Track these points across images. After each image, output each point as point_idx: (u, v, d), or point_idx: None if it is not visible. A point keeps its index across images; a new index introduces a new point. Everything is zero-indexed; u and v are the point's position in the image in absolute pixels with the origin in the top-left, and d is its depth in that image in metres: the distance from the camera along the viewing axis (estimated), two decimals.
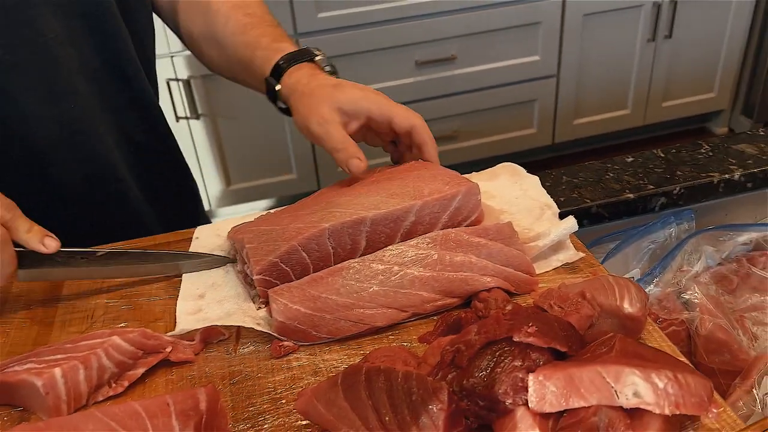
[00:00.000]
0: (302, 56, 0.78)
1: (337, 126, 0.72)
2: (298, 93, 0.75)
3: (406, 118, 0.74)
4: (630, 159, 0.97)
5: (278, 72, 0.78)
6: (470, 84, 2.63)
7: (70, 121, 0.78)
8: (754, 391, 0.81)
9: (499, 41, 2.58)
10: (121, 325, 0.66)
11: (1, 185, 0.70)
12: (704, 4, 2.71)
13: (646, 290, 0.92)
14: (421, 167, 0.75)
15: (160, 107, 0.91)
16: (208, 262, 0.72)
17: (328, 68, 0.80)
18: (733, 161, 0.94)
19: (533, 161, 2.81)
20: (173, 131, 0.95)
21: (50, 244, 0.65)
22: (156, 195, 0.91)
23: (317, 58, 0.79)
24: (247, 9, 0.86)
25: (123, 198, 0.86)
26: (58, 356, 0.57)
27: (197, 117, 2.32)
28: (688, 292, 0.91)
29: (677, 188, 0.90)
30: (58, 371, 0.55)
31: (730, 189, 0.93)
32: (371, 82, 2.49)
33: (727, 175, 0.92)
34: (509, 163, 0.85)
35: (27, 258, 0.66)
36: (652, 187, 0.91)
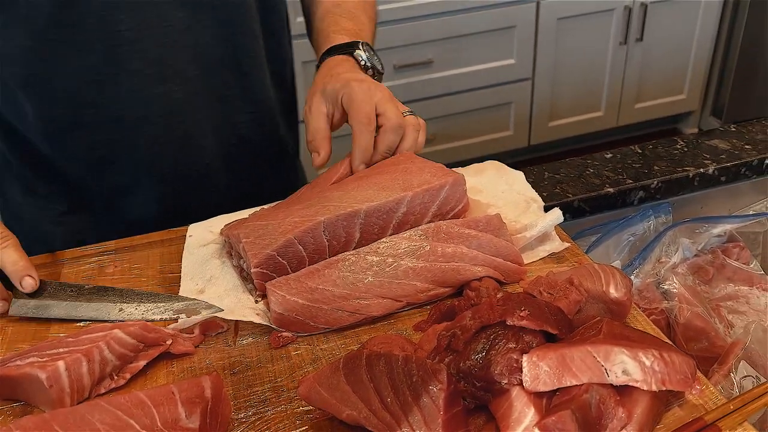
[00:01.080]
0: (344, 49, 0.83)
1: (318, 115, 0.77)
2: (316, 76, 0.81)
3: (363, 111, 0.76)
4: (609, 155, 1.00)
5: (321, 59, 0.84)
6: (447, 87, 2.67)
7: (170, 102, 0.83)
8: (732, 375, 0.84)
9: (474, 45, 2.62)
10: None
11: (91, 156, 0.82)
12: (674, 8, 2.79)
13: None
14: (407, 161, 0.77)
15: (274, 106, 0.94)
16: (192, 307, 0.67)
17: (364, 63, 0.83)
18: (708, 156, 0.98)
19: (510, 163, 2.85)
20: None
21: (27, 283, 0.67)
22: (249, 186, 0.94)
23: (355, 53, 0.83)
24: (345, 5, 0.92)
25: (206, 182, 0.90)
26: (61, 350, 0.58)
27: None
28: (667, 283, 0.94)
29: (655, 182, 0.94)
30: (61, 364, 0.56)
31: (705, 183, 0.97)
32: None
33: (701, 170, 0.96)
34: (494, 160, 0.88)
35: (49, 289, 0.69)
36: (630, 181, 0.94)
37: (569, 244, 0.73)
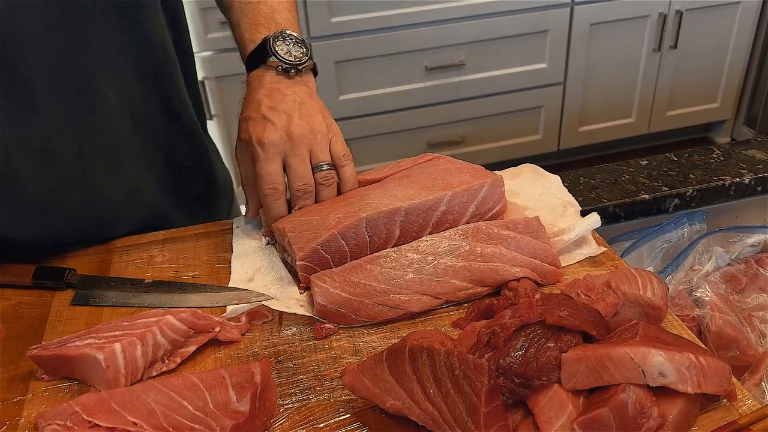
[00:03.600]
0: (258, 58, 0.77)
1: (278, 195, 0.74)
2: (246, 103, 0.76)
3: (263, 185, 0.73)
4: (645, 162, 1.01)
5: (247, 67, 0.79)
6: (478, 90, 2.68)
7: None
8: (763, 384, 0.85)
9: (507, 48, 2.63)
10: None
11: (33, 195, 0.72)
12: (709, 16, 2.76)
13: None
14: (445, 162, 0.80)
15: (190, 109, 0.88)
16: (244, 295, 0.70)
17: (281, 67, 0.76)
18: (744, 166, 0.98)
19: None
20: None
21: None
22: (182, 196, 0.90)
23: (269, 60, 0.76)
24: None
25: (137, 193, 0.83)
26: (117, 333, 0.61)
27: (210, 118, 2.36)
28: (699, 290, 0.95)
29: (690, 190, 0.94)
30: (118, 346, 0.59)
31: (741, 192, 0.97)
32: (381, 86, 2.54)
33: (738, 179, 0.96)
34: (530, 164, 0.89)
35: (90, 280, 0.72)
36: (666, 189, 0.94)
37: (606, 249, 0.74)
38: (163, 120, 0.83)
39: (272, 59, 0.75)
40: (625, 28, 2.72)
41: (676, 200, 0.94)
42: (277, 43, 0.76)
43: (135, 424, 0.53)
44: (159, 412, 0.53)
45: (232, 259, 0.76)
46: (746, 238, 1.00)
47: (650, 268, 0.97)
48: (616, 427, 0.50)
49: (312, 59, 0.78)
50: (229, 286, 0.72)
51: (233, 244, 0.78)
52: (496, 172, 0.85)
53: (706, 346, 0.94)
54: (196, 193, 0.91)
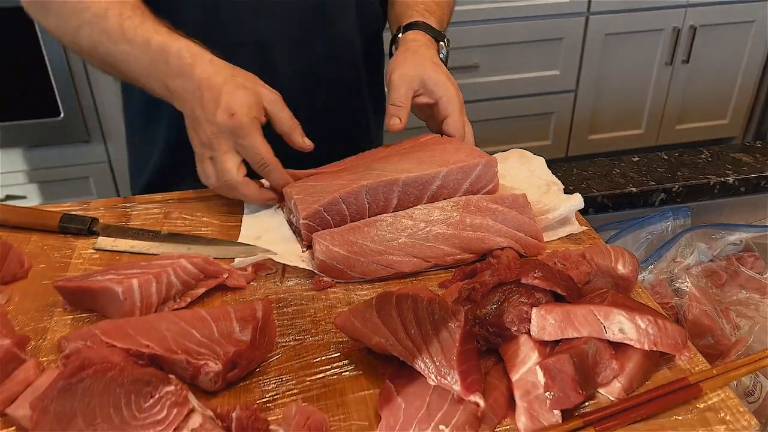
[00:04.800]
0: (431, 31, 0.94)
1: (409, 88, 0.86)
2: (406, 47, 0.90)
3: (458, 123, 0.88)
4: (636, 159, 1.06)
5: (408, 28, 0.94)
6: (490, 92, 2.73)
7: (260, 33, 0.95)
8: None
9: (521, 53, 2.68)
10: None
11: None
12: (722, 33, 2.81)
13: (641, 276, 1.02)
14: (446, 141, 0.86)
15: (358, 60, 1.04)
16: (250, 250, 0.77)
17: (442, 57, 0.94)
18: (730, 167, 1.04)
19: None
20: None
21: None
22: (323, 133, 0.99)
23: (440, 44, 0.94)
24: None
25: None
26: (135, 270, 0.67)
27: None
28: (679, 281, 1.00)
29: (676, 186, 1.00)
30: (135, 281, 0.65)
31: (725, 191, 1.02)
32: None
33: (722, 178, 1.01)
34: (517, 149, 0.95)
35: (112, 229, 0.79)
36: (653, 183, 1.00)
37: (586, 228, 0.80)
38: None
39: (442, 45, 0.95)
40: (638, 40, 2.77)
41: (663, 195, 1.00)
42: (446, 42, 0.95)
43: (147, 346, 0.59)
44: (170, 338, 0.60)
45: (242, 219, 0.82)
46: (728, 235, 1.05)
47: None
48: (575, 373, 0.56)
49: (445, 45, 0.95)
50: (238, 241, 0.78)
51: (245, 205, 0.84)
52: None
53: None
54: None
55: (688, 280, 1.00)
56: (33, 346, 0.64)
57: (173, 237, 0.78)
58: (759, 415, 0.91)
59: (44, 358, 0.62)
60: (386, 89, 0.88)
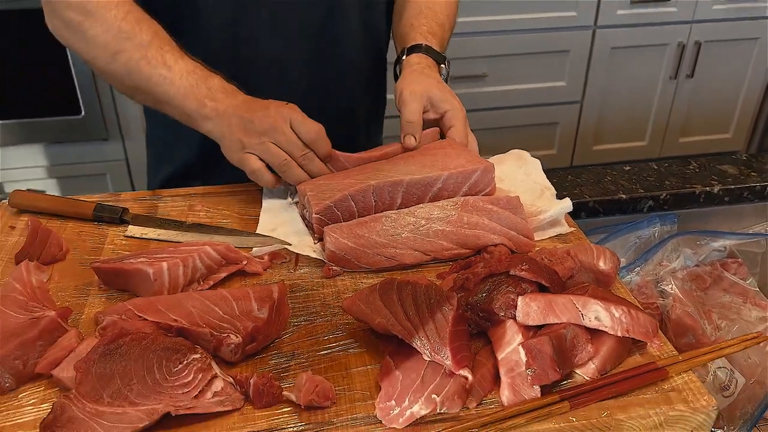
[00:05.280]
0: (433, 54, 1.02)
1: (420, 104, 0.94)
2: (411, 69, 0.99)
3: (462, 136, 0.96)
4: (627, 168, 1.13)
5: (411, 51, 1.02)
6: (497, 102, 2.80)
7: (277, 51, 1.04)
8: (708, 365, 0.97)
9: (528, 64, 2.75)
10: None
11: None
12: (727, 49, 2.87)
13: (629, 277, 1.09)
14: (448, 146, 0.93)
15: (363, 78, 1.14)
16: (265, 240, 0.85)
17: (444, 77, 1.02)
18: (716, 178, 1.11)
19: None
20: None
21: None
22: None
23: (441, 66, 1.03)
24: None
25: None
26: (164, 254, 0.75)
27: None
28: (664, 283, 1.07)
29: (664, 194, 1.07)
30: (164, 264, 0.73)
31: (710, 200, 1.09)
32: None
33: (708, 188, 1.08)
34: (516, 150, 1.02)
35: (141, 218, 0.87)
36: (642, 191, 1.07)
37: (574, 229, 0.87)
38: None
39: (443, 68, 1.03)
40: (644, 54, 2.84)
41: (651, 202, 1.07)
42: (447, 63, 1.04)
43: (176, 320, 0.67)
44: (195, 313, 0.67)
45: (260, 213, 0.90)
46: (713, 242, 1.12)
47: (622, 260, 1.09)
48: (553, 353, 0.63)
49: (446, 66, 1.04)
50: (256, 232, 0.86)
51: (263, 201, 0.92)
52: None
53: (665, 332, 1.06)
54: None
55: (672, 282, 1.07)
56: (72, 319, 0.72)
57: (197, 227, 0.86)
58: (733, 408, 0.98)
59: (82, 330, 0.70)
60: (397, 107, 0.96)
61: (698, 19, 2.79)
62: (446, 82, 1.02)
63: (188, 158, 1.09)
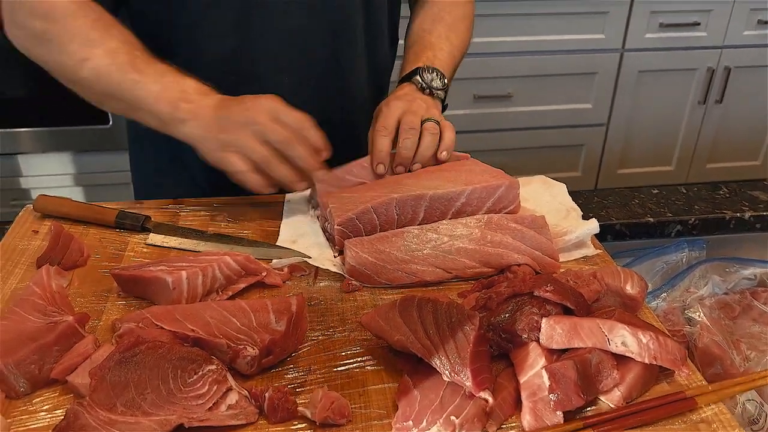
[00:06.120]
0: (408, 77, 1.01)
1: (393, 115, 0.92)
2: (392, 96, 0.98)
3: (380, 123, 0.93)
4: (655, 191, 1.11)
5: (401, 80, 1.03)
6: (522, 122, 2.79)
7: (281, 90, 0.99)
8: (737, 396, 0.94)
9: (554, 86, 2.74)
10: None
11: None
12: (757, 75, 2.83)
13: (655, 303, 1.06)
14: (472, 164, 0.92)
15: (368, 108, 1.08)
16: (286, 253, 0.84)
17: (420, 85, 1.00)
18: (747, 204, 1.08)
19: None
20: None
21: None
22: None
23: (413, 78, 1.00)
24: (437, 24, 1.10)
25: None
26: (184, 263, 0.74)
27: None
28: (692, 310, 1.04)
29: (693, 219, 1.05)
30: (184, 273, 0.72)
31: (740, 227, 1.06)
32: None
33: (738, 214, 1.06)
34: (541, 175, 1.01)
35: (163, 227, 0.87)
36: (670, 215, 1.05)
37: (600, 251, 0.85)
38: None
39: (416, 78, 1.00)
40: (672, 79, 2.81)
41: (679, 227, 1.04)
42: (426, 72, 1.00)
43: (193, 330, 0.66)
44: (213, 324, 0.67)
45: (281, 225, 0.89)
46: (742, 269, 1.09)
47: (648, 285, 1.06)
48: (577, 378, 0.61)
49: (445, 93, 1.03)
50: (276, 244, 0.85)
51: (283, 212, 0.91)
52: None
53: (692, 360, 1.03)
54: None
55: (700, 310, 1.04)
56: (89, 326, 0.71)
57: (218, 237, 0.85)
58: None
59: (99, 336, 0.69)
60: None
61: (728, 44, 2.76)
62: (423, 88, 1.00)
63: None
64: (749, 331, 1.09)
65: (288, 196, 0.96)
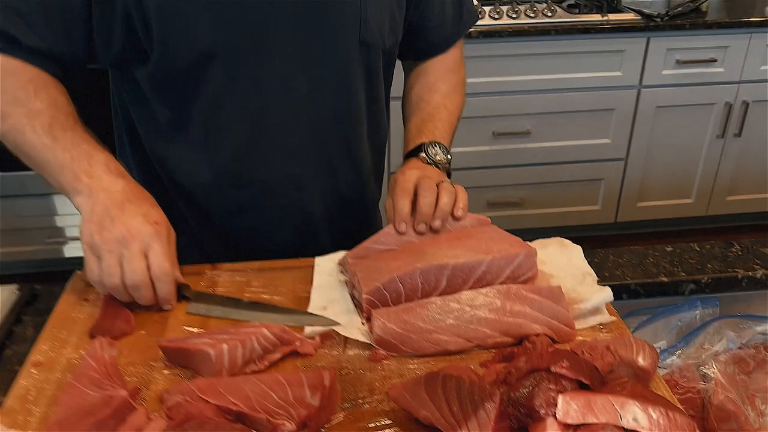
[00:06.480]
0: (415, 152, 1.09)
1: (407, 196, 0.99)
2: (405, 167, 1.06)
3: (399, 186, 1.01)
4: (669, 249, 1.15)
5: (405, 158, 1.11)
6: (541, 158, 2.84)
7: (291, 174, 1.10)
8: None
9: (572, 122, 2.79)
10: None
11: (231, 204, 1.08)
12: None
13: (670, 360, 1.10)
14: (491, 231, 0.98)
15: (370, 169, 1.20)
16: (317, 320, 0.89)
17: (426, 160, 1.08)
18: (759, 262, 1.12)
19: (593, 236, 2.98)
20: None
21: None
22: (343, 232, 1.18)
23: (420, 155, 1.08)
24: (434, 93, 1.18)
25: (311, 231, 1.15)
26: (225, 336, 0.81)
27: None
28: (706, 367, 1.08)
29: (705, 278, 1.08)
30: (225, 346, 0.78)
31: (752, 285, 1.10)
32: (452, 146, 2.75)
33: (750, 273, 1.09)
34: (558, 237, 1.06)
35: (202, 296, 0.93)
36: (684, 274, 1.09)
37: (615, 318, 0.90)
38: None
39: (422, 154, 1.08)
40: (690, 113, 2.84)
41: (692, 285, 1.08)
42: (430, 147, 1.09)
43: (235, 404, 0.72)
44: (253, 398, 0.72)
45: (312, 290, 0.95)
46: (756, 325, 1.12)
47: (663, 342, 1.10)
48: None
49: (450, 165, 1.11)
50: (308, 311, 0.91)
51: (314, 277, 0.97)
52: (529, 243, 1.02)
53: (707, 417, 1.07)
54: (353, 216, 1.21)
55: (714, 366, 1.08)
56: (140, 393, 0.78)
57: (253, 305, 0.91)
58: None
59: (147, 405, 0.75)
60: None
61: (746, 79, 2.79)
62: (429, 163, 1.08)
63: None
64: (764, 385, 1.11)
65: (318, 260, 1.02)
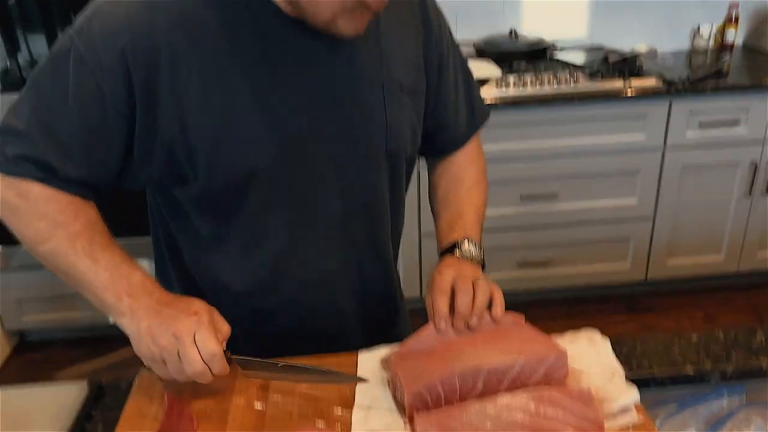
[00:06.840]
0: (450, 250, 1.17)
1: (445, 296, 1.07)
2: (442, 265, 1.13)
3: (437, 287, 1.09)
4: (695, 339, 1.20)
5: (441, 255, 1.19)
6: (568, 219, 2.89)
7: (326, 274, 1.17)
8: None
9: (598, 184, 2.85)
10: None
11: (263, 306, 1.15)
12: None
13: None
14: (523, 329, 1.05)
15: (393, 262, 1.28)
16: (349, 379, 0.99)
17: (461, 257, 1.16)
18: None
19: (623, 294, 3.00)
20: None
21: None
22: (374, 327, 1.25)
23: (456, 252, 1.16)
24: (459, 187, 1.26)
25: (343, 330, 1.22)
26: None
27: None
28: None
29: (730, 368, 1.13)
30: None
31: None
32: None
33: None
34: (588, 328, 1.12)
35: (254, 364, 1.01)
36: (709, 364, 1.14)
37: (643, 418, 0.96)
38: None
39: (457, 252, 1.16)
40: (716, 173, 2.88)
41: (718, 375, 1.13)
42: (463, 244, 1.17)
43: None
44: None
45: (356, 389, 1.02)
46: None
47: (693, 431, 1.15)
48: None
49: (483, 257, 1.18)
50: (342, 372, 1.01)
51: (357, 369, 1.05)
52: (557, 336, 1.09)
53: None
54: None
55: None
56: None
57: (292, 369, 1.01)
58: None
59: None
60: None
61: None
62: (465, 258, 1.15)
63: None
64: None
65: (360, 357, 1.09)
